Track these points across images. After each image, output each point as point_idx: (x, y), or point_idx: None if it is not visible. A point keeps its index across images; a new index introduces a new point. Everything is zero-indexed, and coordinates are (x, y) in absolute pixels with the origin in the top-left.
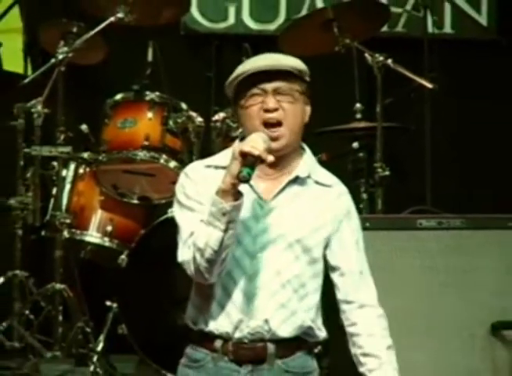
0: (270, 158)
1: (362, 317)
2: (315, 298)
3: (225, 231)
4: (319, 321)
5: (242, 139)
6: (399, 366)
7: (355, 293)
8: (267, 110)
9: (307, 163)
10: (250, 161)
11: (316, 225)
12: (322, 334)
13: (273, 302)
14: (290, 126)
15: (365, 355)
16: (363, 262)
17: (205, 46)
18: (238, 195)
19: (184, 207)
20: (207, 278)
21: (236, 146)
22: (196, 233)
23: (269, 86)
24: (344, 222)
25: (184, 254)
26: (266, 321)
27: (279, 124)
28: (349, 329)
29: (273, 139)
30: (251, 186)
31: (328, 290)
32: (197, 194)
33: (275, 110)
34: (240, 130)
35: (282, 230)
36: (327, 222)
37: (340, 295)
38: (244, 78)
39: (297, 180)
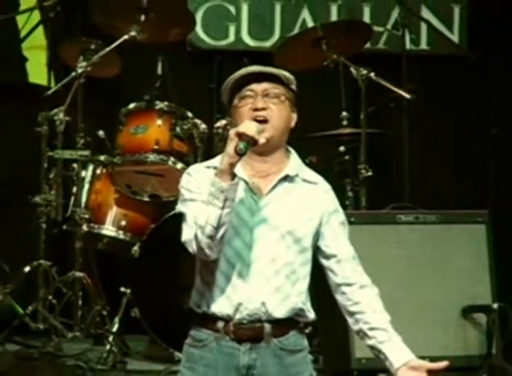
0: (262, 140)
1: (364, 296)
2: (305, 283)
3: (223, 208)
4: (309, 304)
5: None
6: None
7: (353, 276)
8: (256, 109)
9: (293, 164)
10: (245, 140)
11: (305, 218)
12: (311, 315)
13: (269, 287)
14: (275, 124)
15: (372, 329)
16: (352, 249)
17: (208, 61)
18: (234, 176)
19: (187, 199)
20: (207, 254)
21: (232, 130)
22: (197, 214)
23: (259, 88)
24: (332, 215)
25: (187, 234)
26: (263, 304)
27: (265, 121)
28: (352, 308)
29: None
30: (247, 184)
31: (316, 277)
32: (199, 189)
33: (263, 109)
34: None
35: (275, 223)
36: (315, 215)
37: (339, 280)
38: (238, 82)
39: (286, 178)
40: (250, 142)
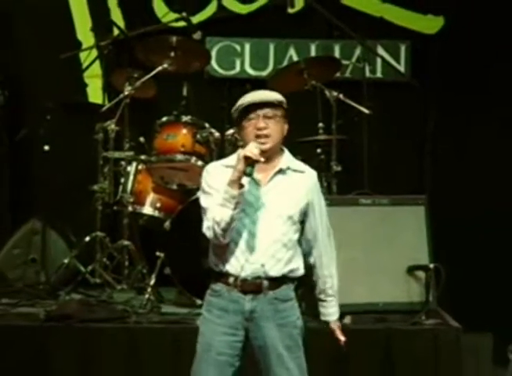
0: (262, 159)
1: (323, 266)
2: (296, 248)
3: (234, 209)
4: (299, 263)
5: (242, 147)
6: (347, 296)
7: (322, 250)
8: (259, 129)
9: (286, 158)
10: (250, 161)
11: (295, 201)
12: (300, 272)
13: (267, 253)
14: (273, 138)
15: (320, 291)
16: (326, 224)
17: (220, 86)
18: (241, 185)
19: (206, 193)
20: (221, 241)
21: (240, 151)
22: (214, 212)
23: (260, 112)
24: (315, 194)
25: (206, 225)
26: (262, 265)
27: (266, 136)
28: (315, 270)
29: (262, 144)
30: (252, 177)
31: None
32: (215, 184)
33: (265, 128)
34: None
35: (272, 206)
36: (302, 197)
37: (311, 248)
38: (244, 107)
39: (280, 171)
40: (254, 162)
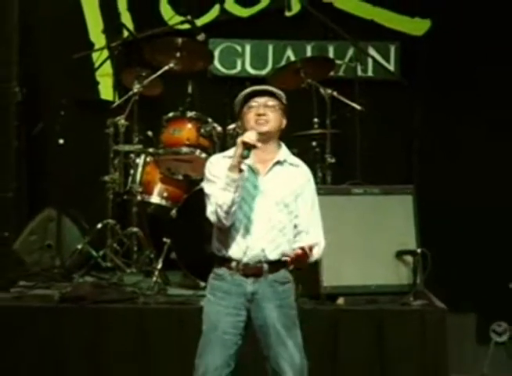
0: (259, 144)
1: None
2: (292, 234)
3: (235, 192)
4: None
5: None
6: (341, 279)
7: (309, 229)
8: (259, 115)
9: (283, 153)
10: (248, 146)
11: (291, 190)
12: None
13: (266, 238)
14: (272, 123)
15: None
16: (317, 215)
17: (222, 84)
18: (241, 170)
19: (209, 181)
20: (224, 223)
21: (239, 138)
22: (217, 197)
23: (261, 100)
24: (306, 187)
25: (209, 210)
26: (263, 250)
27: (265, 122)
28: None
29: (261, 126)
30: (251, 167)
31: None
32: (217, 172)
33: (264, 115)
34: None
35: (270, 194)
36: (297, 188)
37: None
38: (247, 96)
39: (278, 163)
40: (251, 147)
